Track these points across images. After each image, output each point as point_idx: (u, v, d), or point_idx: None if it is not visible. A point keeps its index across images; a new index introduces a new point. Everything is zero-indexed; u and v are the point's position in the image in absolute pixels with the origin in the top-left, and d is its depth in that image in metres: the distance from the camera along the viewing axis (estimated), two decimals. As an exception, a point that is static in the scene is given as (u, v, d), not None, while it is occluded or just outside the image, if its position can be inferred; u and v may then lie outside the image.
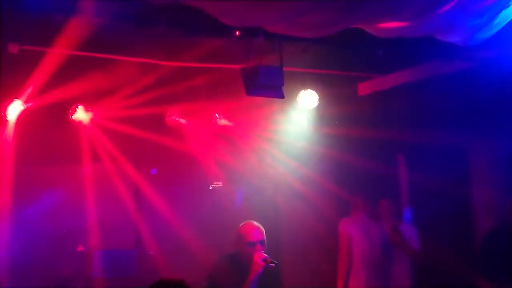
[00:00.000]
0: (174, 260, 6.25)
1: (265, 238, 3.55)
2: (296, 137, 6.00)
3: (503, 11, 2.40)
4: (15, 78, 4.50)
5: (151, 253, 6.24)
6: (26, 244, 5.48)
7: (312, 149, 5.99)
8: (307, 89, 5.45)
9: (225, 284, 3.45)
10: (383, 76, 5.42)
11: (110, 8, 3.20)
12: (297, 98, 5.47)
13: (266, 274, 3.46)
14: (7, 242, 5.36)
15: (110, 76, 4.55)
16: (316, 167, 6.07)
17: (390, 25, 2.61)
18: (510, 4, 2.37)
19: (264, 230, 3.58)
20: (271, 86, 3.85)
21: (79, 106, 5.10)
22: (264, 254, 3.44)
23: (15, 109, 4.84)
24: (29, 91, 4.63)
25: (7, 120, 4.88)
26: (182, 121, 5.75)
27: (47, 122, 5.06)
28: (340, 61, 4.79)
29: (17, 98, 4.79)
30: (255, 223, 3.62)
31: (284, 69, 3.97)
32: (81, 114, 5.16)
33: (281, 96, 3.96)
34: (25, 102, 4.85)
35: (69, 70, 4.39)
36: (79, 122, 5.23)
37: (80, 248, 5.91)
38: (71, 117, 5.14)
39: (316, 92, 5.48)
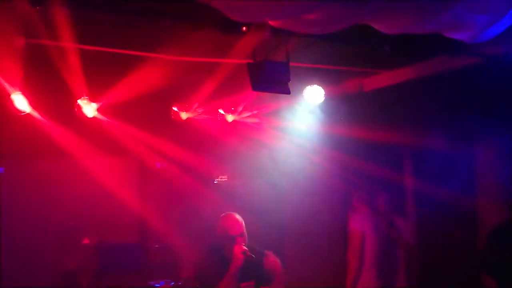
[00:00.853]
0: (178, 253, 6.29)
1: (244, 229, 3.65)
2: (301, 133, 6.00)
3: (512, 8, 2.38)
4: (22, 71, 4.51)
5: (156, 246, 6.27)
6: (32, 236, 5.52)
7: (318, 144, 5.99)
8: (313, 84, 5.43)
9: (211, 277, 3.53)
10: (390, 71, 5.40)
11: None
12: (303, 94, 5.46)
13: (252, 263, 3.56)
14: (12, 234, 5.40)
15: (115, 70, 4.56)
16: (321, 162, 6.07)
17: (397, 22, 2.60)
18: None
19: (243, 222, 3.67)
20: (277, 81, 3.84)
21: (85, 99, 5.11)
22: (244, 247, 3.54)
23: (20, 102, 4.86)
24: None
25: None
26: (188, 115, 5.76)
27: (55, 115, 5.08)
28: (346, 56, 4.77)
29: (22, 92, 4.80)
30: (235, 215, 3.71)
31: (290, 64, 3.96)
32: (87, 108, 5.17)
33: (287, 92, 3.95)
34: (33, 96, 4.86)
35: (76, 63, 4.41)
36: (84, 117, 5.24)
37: (86, 241, 5.95)
38: (77, 109, 5.15)
39: (322, 88, 5.47)
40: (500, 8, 2.41)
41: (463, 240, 5.38)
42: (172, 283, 5.62)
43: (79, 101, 5.08)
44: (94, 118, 5.27)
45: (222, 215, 3.77)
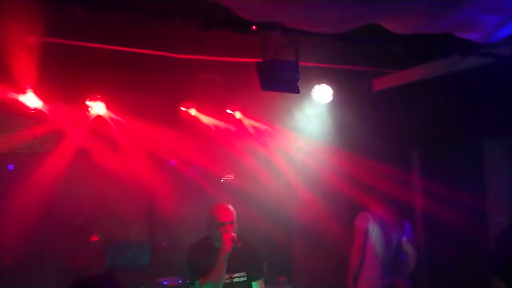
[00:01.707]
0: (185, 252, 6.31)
1: (235, 218, 3.70)
2: (310, 131, 6.00)
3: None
4: (32, 69, 4.55)
5: (164, 244, 6.30)
6: (40, 233, 5.55)
7: (326, 143, 5.99)
8: (321, 83, 5.43)
9: (201, 264, 3.59)
10: (399, 71, 5.38)
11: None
12: (312, 93, 5.46)
13: (241, 253, 3.63)
14: (21, 230, 5.44)
15: (126, 69, 4.58)
16: (329, 162, 6.06)
17: (408, 22, 2.59)
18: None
19: (234, 211, 3.72)
20: (287, 81, 3.84)
21: (96, 98, 5.15)
22: (233, 234, 3.59)
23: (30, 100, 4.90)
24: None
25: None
26: (197, 114, 5.78)
27: (63, 113, 5.12)
28: (355, 56, 4.76)
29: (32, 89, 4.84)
30: (227, 204, 3.77)
31: (299, 63, 3.96)
32: (97, 105, 5.20)
33: (296, 91, 3.95)
34: (42, 93, 4.90)
35: (85, 61, 4.44)
36: (95, 113, 5.28)
37: (94, 238, 5.98)
38: (87, 107, 5.19)
39: (331, 87, 5.46)
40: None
41: (472, 241, 5.36)
42: (180, 281, 5.65)
43: (89, 99, 5.12)
44: (105, 115, 5.30)
45: (213, 205, 3.83)
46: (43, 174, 5.50)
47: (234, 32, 3.39)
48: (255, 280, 3.77)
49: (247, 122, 6.06)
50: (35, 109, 4.81)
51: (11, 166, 5.66)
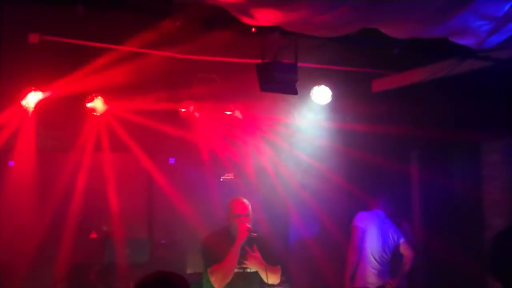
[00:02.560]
0: (186, 249, 6.34)
1: (250, 211, 3.99)
2: (308, 132, 6.03)
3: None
4: (34, 68, 4.59)
5: (163, 242, 6.33)
6: (39, 230, 5.57)
7: (324, 145, 6.01)
8: (320, 84, 5.46)
9: (217, 251, 3.81)
10: (398, 73, 5.41)
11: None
12: (311, 94, 5.48)
13: (257, 246, 3.88)
14: (20, 227, 5.46)
15: (127, 68, 4.61)
16: (328, 163, 6.09)
17: (403, 27, 2.63)
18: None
19: (250, 205, 4.02)
20: (285, 82, 3.90)
21: (96, 96, 5.17)
22: (248, 225, 3.86)
23: (33, 98, 4.93)
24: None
25: (24, 108, 4.97)
26: (196, 114, 5.81)
27: (65, 111, 5.15)
28: (355, 57, 4.79)
29: (36, 87, 4.87)
30: (243, 199, 4.06)
31: (298, 64, 4.00)
32: (98, 104, 5.23)
33: (294, 92, 4.02)
34: (44, 91, 4.93)
35: (88, 61, 4.47)
36: (95, 112, 5.30)
37: (93, 235, 6.01)
38: (88, 106, 5.21)
39: (330, 88, 5.49)
40: (506, 15, 2.43)
41: (469, 242, 5.40)
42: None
43: (90, 98, 5.14)
44: (104, 113, 5.33)
45: (231, 199, 4.11)
46: (42, 171, 5.52)
47: (234, 34, 3.43)
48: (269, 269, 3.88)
49: (246, 121, 6.08)
50: (34, 106, 4.84)
51: (11, 163, 5.68)
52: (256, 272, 3.88)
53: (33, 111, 5.00)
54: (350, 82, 5.55)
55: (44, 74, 4.65)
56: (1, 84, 4.26)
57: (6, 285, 5.14)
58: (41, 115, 5.06)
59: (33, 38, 4.00)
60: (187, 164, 6.31)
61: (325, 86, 5.44)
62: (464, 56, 4.32)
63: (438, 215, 5.81)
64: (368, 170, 5.76)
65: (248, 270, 3.86)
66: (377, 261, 5.14)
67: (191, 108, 5.75)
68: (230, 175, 6.82)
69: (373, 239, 5.14)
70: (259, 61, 3.88)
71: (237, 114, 5.96)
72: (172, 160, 6.42)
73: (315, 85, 5.44)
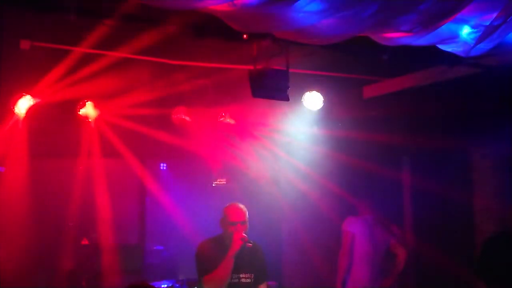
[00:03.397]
0: (178, 255, 6.34)
1: (247, 218, 3.78)
2: (300, 138, 6.05)
3: (504, 24, 2.44)
4: (26, 74, 4.58)
5: (155, 248, 6.32)
6: (31, 237, 5.55)
7: (316, 151, 6.04)
8: (312, 91, 5.49)
9: (210, 260, 3.65)
10: (388, 79, 5.46)
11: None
12: (302, 100, 5.52)
13: (250, 255, 3.72)
14: (11, 234, 5.43)
15: (118, 74, 4.61)
16: (320, 169, 6.12)
17: (394, 35, 2.67)
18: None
19: (246, 212, 3.79)
20: (277, 89, 3.91)
21: (87, 102, 5.17)
22: (243, 234, 3.66)
23: (24, 104, 4.92)
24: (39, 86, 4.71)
25: (15, 114, 4.95)
26: (188, 119, 5.81)
27: (56, 117, 5.13)
28: (346, 63, 4.83)
29: (27, 93, 4.86)
30: (239, 204, 3.83)
31: (290, 70, 4.02)
32: (89, 110, 5.22)
33: (286, 99, 4.02)
34: (35, 97, 4.92)
35: (79, 67, 4.47)
36: (86, 118, 5.30)
37: (85, 242, 5.98)
38: (79, 112, 5.21)
39: (321, 94, 5.53)
40: (492, 24, 2.48)
41: (459, 246, 5.44)
42: (170, 284, 5.67)
43: (81, 103, 5.14)
44: (95, 119, 5.32)
45: (227, 204, 3.90)
46: (32, 177, 5.50)
47: (226, 41, 3.45)
48: (260, 283, 3.81)
49: (238, 127, 6.10)
50: (25, 112, 4.83)
51: (1, 169, 5.66)
52: (251, 283, 3.75)
53: (24, 117, 4.99)
54: (341, 88, 5.59)
55: (36, 80, 4.64)
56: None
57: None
58: (33, 121, 5.04)
59: (25, 44, 4.00)
60: (179, 169, 6.32)
61: (316, 92, 5.47)
62: (454, 62, 4.36)
63: (429, 220, 5.85)
64: (359, 175, 5.79)
65: (244, 280, 3.73)
66: (369, 264, 5.17)
67: (183, 114, 5.76)
68: (222, 180, 6.83)
69: (363, 243, 5.17)
70: (251, 67, 3.89)
71: (229, 119, 5.97)
72: (163, 166, 6.43)
73: (307, 91, 5.47)
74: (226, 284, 3.63)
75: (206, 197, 6.47)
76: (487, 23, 2.42)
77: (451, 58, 4.01)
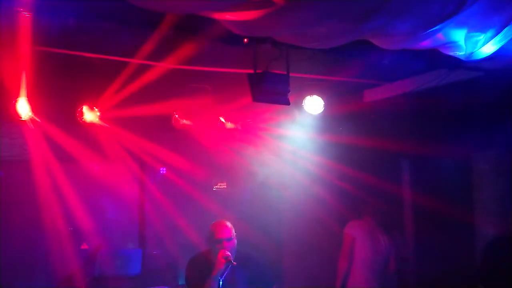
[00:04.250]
0: (177, 260, 6.31)
1: (232, 235, 3.69)
2: (300, 143, 6.05)
3: (507, 27, 2.43)
4: (27, 78, 4.57)
5: (155, 252, 6.30)
6: (30, 241, 5.54)
7: (316, 155, 6.03)
8: (312, 94, 5.48)
9: (196, 279, 3.60)
10: (389, 83, 5.45)
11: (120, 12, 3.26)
12: (303, 104, 5.51)
13: (244, 268, 3.62)
14: (11, 238, 5.42)
15: (118, 77, 4.61)
16: (320, 173, 6.11)
17: (393, 39, 2.66)
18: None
19: (232, 228, 3.72)
20: (277, 92, 3.90)
21: (85, 107, 5.16)
22: (227, 253, 3.56)
23: (26, 109, 4.90)
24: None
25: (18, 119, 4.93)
26: (188, 123, 5.81)
27: (57, 121, 5.13)
28: (346, 67, 4.82)
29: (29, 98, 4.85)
30: (225, 221, 3.77)
31: (291, 74, 4.02)
32: (88, 115, 5.22)
33: (286, 103, 4.00)
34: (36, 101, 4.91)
35: (73, 69, 4.47)
36: (86, 122, 5.29)
37: (84, 247, 5.97)
38: (79, 117, 5.20)
39: (322, 98, 5.52)
40: (494, 27, 2.47)
41: (460, 252, 5.41)
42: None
43: (81, 108, 5.13)
44: (95, 124, 5.32)
45: (212, 221, 3.85)
46: (32, 181, 5.49)
47: (226, 45, 3.44)
48: None
49: (237, 131, 6.10)
50: (25, 116, 4.82)
51: (0, 173, 5.65)
52: None
53: (25, 121, 4.98)
54: (342, 92, 5.58)
55: (36, 85, 4.63)
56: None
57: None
58: (33, 125, 5.03)
59: (24, 47, 3.98)
60: (179, 173, 6.31)
61: (317, 96, 5.46)
62: (454, 66, 4.36)
63: (429, 224, 5.83)
64: (360, 179, 5.78)
65: None
66: (368, 269, 5.17)
67: (183, 118, 5.75)
68: (222, 184, 6.82)
69: (364, 247, 5.18)
70: (251, 71, 3.87)
71: (229, 123, 5.97)
72: (163, 170, 6.42)
73: (307, 95, 5.46)
74: None
75: (206, 201, 6.46)
76: (488, 27, 2.41)
77: (452, 62, 4.01)
